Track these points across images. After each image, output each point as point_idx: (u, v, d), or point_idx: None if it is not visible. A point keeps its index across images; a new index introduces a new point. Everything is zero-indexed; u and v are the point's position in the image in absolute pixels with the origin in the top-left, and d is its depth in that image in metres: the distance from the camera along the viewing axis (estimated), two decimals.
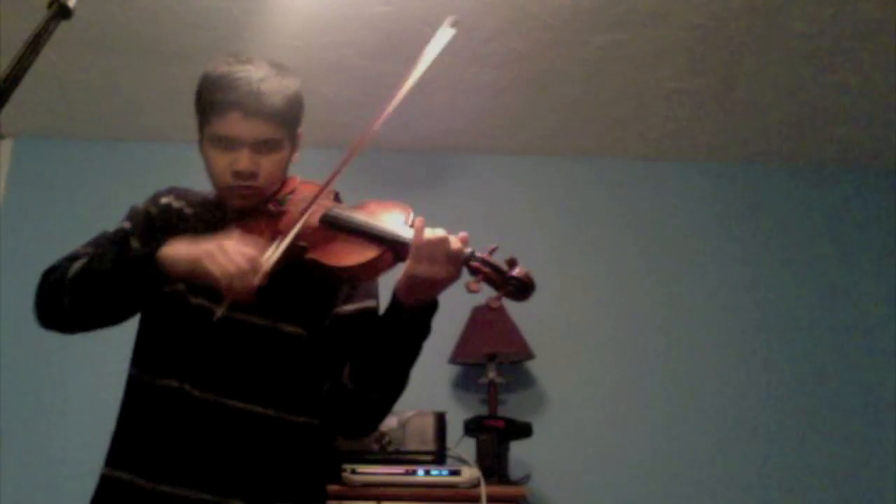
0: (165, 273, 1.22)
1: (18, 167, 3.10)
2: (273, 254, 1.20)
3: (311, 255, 1.25)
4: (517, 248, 3.32)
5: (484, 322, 2.79)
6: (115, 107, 2.92)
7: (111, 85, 2.78)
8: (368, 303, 1.37)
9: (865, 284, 3.17)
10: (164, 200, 1.41)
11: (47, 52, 1.01)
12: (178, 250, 1.21)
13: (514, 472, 2.64)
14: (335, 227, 1.27)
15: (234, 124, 1.27)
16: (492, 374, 2.74)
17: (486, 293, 1.18)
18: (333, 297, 1.35)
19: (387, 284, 1.29)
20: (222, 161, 1.29)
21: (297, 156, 1.40)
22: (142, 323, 1.36)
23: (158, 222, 1.38)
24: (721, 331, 3.09)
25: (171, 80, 2.72)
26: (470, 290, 1.16)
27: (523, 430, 2.62)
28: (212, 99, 1.30)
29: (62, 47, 2.52)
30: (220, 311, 1.16)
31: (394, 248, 1.22)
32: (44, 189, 3.03)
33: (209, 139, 1.31)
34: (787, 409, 3.00)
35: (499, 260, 1.16)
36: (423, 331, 1.26)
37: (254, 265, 1.15)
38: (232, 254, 1.15)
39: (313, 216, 1.27)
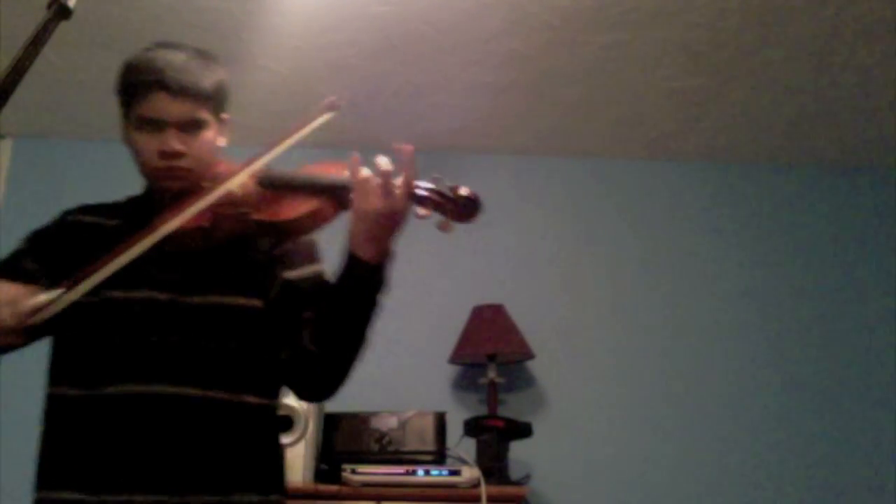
0: None
1: (18, 167, 3.10)
2: (193, 209, 1.20)
3: (255, 217, 1.25)
4: (517, 248, 3.31)
5: (484, 322, 2.79)
6: (115, 107, 2.92)
7: (111, 85, 2.78)
8: (315, 267, 1.37)
9: (865, 284, 3.17)
10: (70, 219, 1.39)
11: (47, 52, 1.01)
12: None
13: (514, 472, 2.64)
14: (275, 187, 1.28)
15: (159, 105, 1.27)
16: (492, 374, 2.74)
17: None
18: (278, 265, 1.34)
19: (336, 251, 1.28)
20: (150, 144, 1.28)
21: (224, 140, 1.38)
22: (57, 341, 1.29)
23: (64, 241, 1.34)
24: (721, 331, 3.09)
25: None
26: (419, 217, 1.17)
27: (523, 430, 2.62)
28: (135, 81, 1.30)
29: (62, 47, 2.52)
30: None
31: (336, 195, 1.23)
32: (44, 189, 3.03)
33: (134, 123, 1.30)
34: (787, 408, 3.00)
35: (442, 185, 1.18)
36: (382, 284, 1.25)
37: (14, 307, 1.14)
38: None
39: (249, 183, 1.27)
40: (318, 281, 1.35)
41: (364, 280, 1.23)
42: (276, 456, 1.35)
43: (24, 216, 2.91)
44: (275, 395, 1.35)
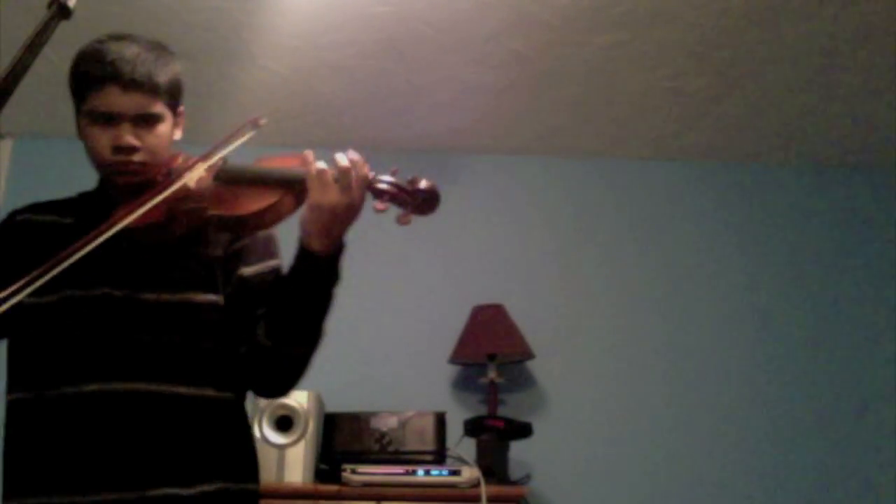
0: None
1: (18, 167, 3.10)
2: (148, 205, 1.18)
3: (212, 212, 1.24)
4: (517, 248, 3.31)
5: (484, 322, 2.79)
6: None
7: None
8: (272, 262, 1.36)
9: (865, 284, 3.17)
10: (20, 217, 1.37)
11: (47, 52, 1.01)
12: None
13: (514, 472, 2.64)
14: (231, 182, 1.26)
15: (112, 98, 1.25)
16: (492, 374, 2.74)
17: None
18: (235, 261, 1.33)
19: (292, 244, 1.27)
20: (103, 138, 1.27)
21: (179, 133, 1.37)
22: (13, 345, 1.28)
23: (13, 241, 1.32)
24: (721, 330, 3.09)
25: None
26: (377, 210, 1.17)
27: (523, 430, 2.62)
28: (88, 74, 1.28)
29: (62, 47, 2.52)
30: None
31: (293, 189, 1.21)
32: (44, 189, 3.01)
33: (87, 116, 1.29)
34: (786, 408, 3.00)
35: (401, 178, 1.17)
36: (334, 277, 1.24)
37: None
38: None
39: (206, 177, 1.25)
40: (272, 276, 1.34)
41: (316, 273, 1.22)
42: (244, 446, 1.33)
43: None
44: (237, 388, 1.33)
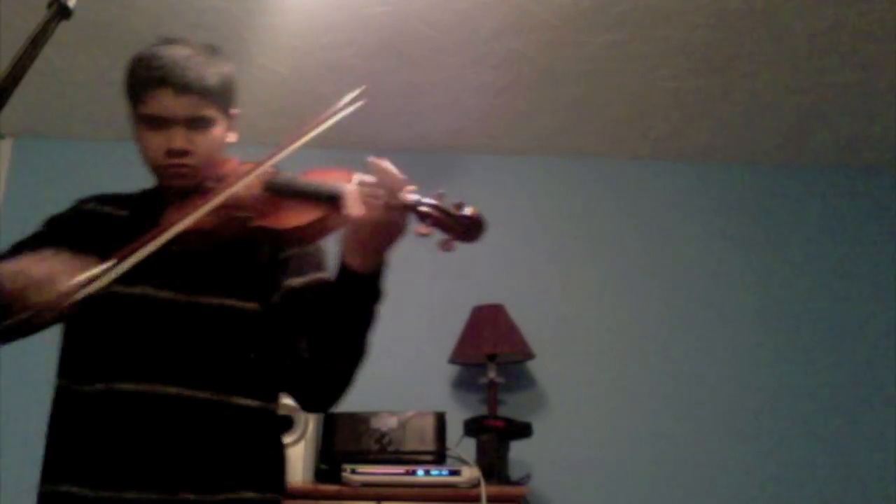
0: None
1: (18, 167, 3.10)
2: (201, 210, 1.16)
3: (256, 223, 1.23)
4: (517, 248, 3.31)
5: (484, 322, 2.79)
6: (115, 107, 2.91)
7: (111, 85, 2.78)
8: (320, 274, 1.34)
9: (865, 284, 3.17)
10: (86, 207, 1.39)
11: (47, 52, 1.01)
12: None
13: (514, 472, 2.64)
14: (279, 193, 1.24)
15: (165, 102, 1.25)
16: (492, 374, 2.74)
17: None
18: (281, 271, 1.33)
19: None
20: (155, 141, 1.27)
21: (233, 136, 1.37)
22: (66, 332, 1.31)
23: (80, 228, 1.35)
24: (721, 330, 3.09)
25: None
26: (419, 234, 1.12)
27: (523, 430, 2.62)
28: (141, 79, 1.27)
29: (62, 47, 2.53)
30: (18, 318, 1.11)
31: (338, 205, 1.18)
32: (44, 189, 3.03)
33: (140, 120, 1.29)
34: (787, 408, 3.00)
35: (447, 203, 1.13)
36: (375, 295, 1.22)
37: (66, 276, 1.11)
38: (44, 264, 1.13)
39: (254, 186, 1.24)
40: (318, 290, 1.32)
41: (355, 290, 1.20)
42: (273, 456, 1.34)
43: (24, 216, 2.93)
44: (270, 398, 1.33)
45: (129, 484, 1.18)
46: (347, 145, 2.60)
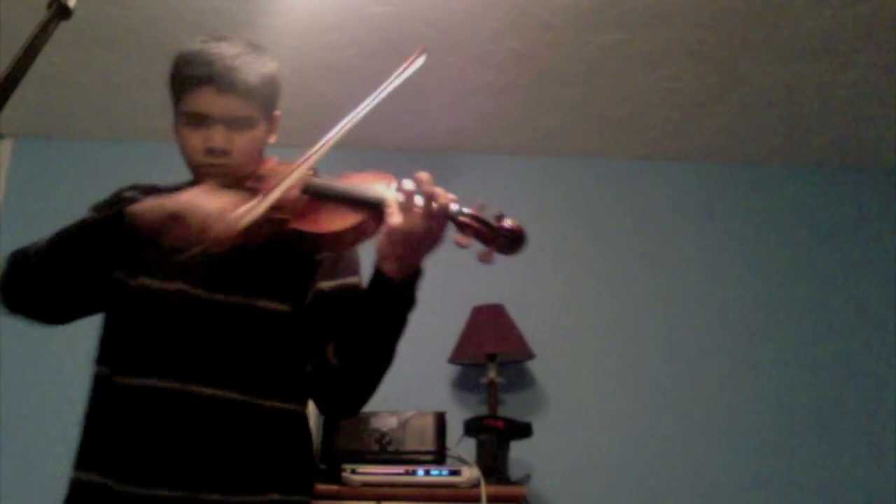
0: (134, 228, 1.15)
1: (18, 167, 3.10)
2: (253, 210, 1.15)
3: (293, 226, 1.21)
4: None
5: (484, 322, 2.79)
6: (115, 107, 2.93)
7: (111, 85, 2.79)
8: (351, 279, 1.34)
9: (865, 284, 3.17)
10: (128, 194, 1.37)
11: (47, 52, 1.01)
12: (148, 202, 1.17)
13: (514, 472, 2.64)
14: (317, 196, 1.24)
15: (207, 100, 1.24)
16: (492, 374, 2.74)
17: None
18: (314, 273, 1.32)
19: (370, 261, 1.26)
20: (196, 139, 1.26)
21: (273, 137, 1.37)
22: (105, 320, 1.31)
23: None
24: (721, 331, 3.09)
25: None
26: (459, 245, 1.11)
27: (523, 430, 2.62)
28: (184, 76, 1.26)
29: (62, 47, 2.53)
30: (192, 252, 1.11)
31: (375, 211, 1.18)
32: (44, 189, 3.03)
33: (182, 117, 1.28)
34: (786, 408, 3.00)
35: (488, 214, 1.12)
36: (409, 302, 1.22)
37: (231, 210, 1.12)
38: (210, 198, 1.13)
39: (293, 188, 1.23)
40: (350, 294, 1.31)
41: (389, 296, 1.20)
42: (301, 459, 1.32)
43: (24, 216, 2.94)
44: (300, 400, 1.32)
45: (154, 481, 1.18)
46: (347, 145, 2.60)
